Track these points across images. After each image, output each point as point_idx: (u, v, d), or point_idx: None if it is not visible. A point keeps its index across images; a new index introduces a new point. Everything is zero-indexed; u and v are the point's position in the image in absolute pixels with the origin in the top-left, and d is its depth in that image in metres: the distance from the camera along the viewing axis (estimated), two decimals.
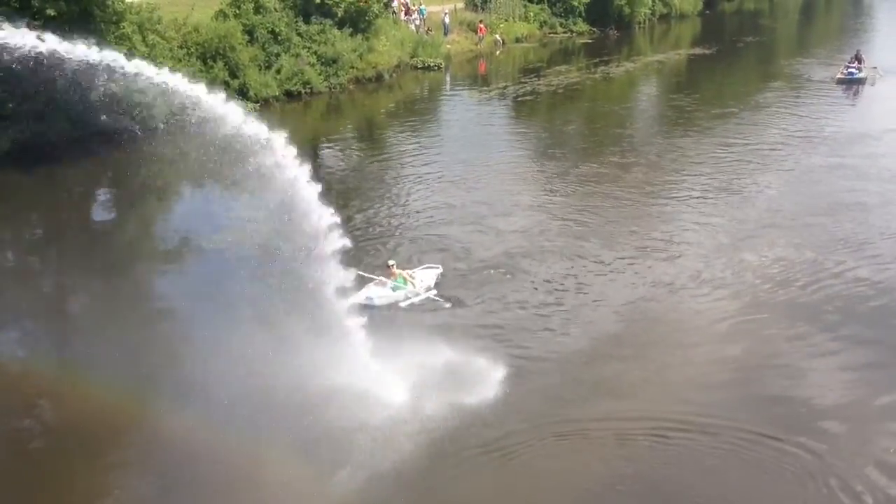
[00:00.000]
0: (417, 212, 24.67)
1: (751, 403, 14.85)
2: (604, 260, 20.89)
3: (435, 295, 18.69)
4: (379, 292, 18.28)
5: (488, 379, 15.14)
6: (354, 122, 39.35)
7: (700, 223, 23.41)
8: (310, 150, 34.28)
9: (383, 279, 18.60)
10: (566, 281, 19.67)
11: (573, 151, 32.56)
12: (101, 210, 27.13)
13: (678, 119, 38.20)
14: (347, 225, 23.24)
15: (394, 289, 18.47)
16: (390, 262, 18.94)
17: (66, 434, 14.01)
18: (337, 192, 27.17)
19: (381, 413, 14.22)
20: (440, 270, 19.60)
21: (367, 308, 17.33)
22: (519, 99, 43.58)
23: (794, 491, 12.70)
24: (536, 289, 19.31)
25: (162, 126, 33.27)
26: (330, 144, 34.76)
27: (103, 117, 31.08)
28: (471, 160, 30.54)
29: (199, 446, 13.49)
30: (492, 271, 20.22)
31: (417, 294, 18.55)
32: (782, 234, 22.63)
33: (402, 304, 18.23)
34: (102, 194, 28.60)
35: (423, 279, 19.06)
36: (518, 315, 18.02)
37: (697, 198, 25.67)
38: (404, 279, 18.61)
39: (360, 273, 18.18)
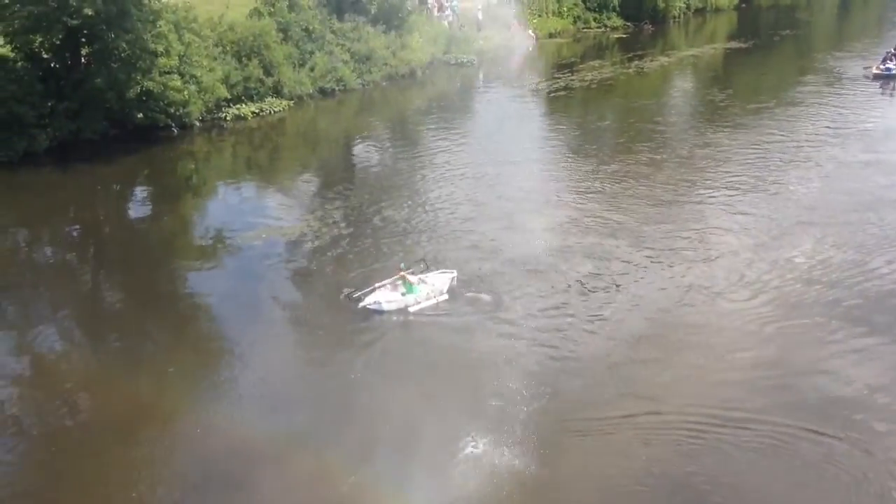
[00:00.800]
0: (446, 208, 24.66)
1: (793, 402, 14.71)
2: (635, 259, 20.70)
3: (446, 300, 18.37)
4: (388, 297, 18.02)
5: (516, 378, 15.20)
6: (387, 119, 39.42)
7: (734, 221, 23.16)
8: (343, 146, 34.49)
9: (394, 283, 18.29)
10: (597, 281, 19.51)
11: (606, 148, 32.38)
12: (138, 206, 27.47)
13: (712, 114, 37.85)
14: (377, 220, 23.47)
15: (403, 293, 18.16)
16: (402, 266, 18.58)
17: (101, 426, 14.22)
18: (367, 188, 27.33)
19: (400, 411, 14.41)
20: (454, 275, 19.19)
21: (376, 312, 17.49)
22: (552, 94, 43.41)
23: (838, 487, 12.64)
24: (569, 288, 19.17)
25: (197, 124, 33.66)
26: (362, 141, 34.86)
27: (139, 115, 31.50)
28: (502, 156, 30.49)
29: (231, 442, 13.63)
30: (521, 269, 20.07)
31: (427, 299, 18.24)
32: (819, 231, 22.34)
33: (411, 309, 17.93)
34: (139, 191, 28.96)
35: (435, 283, 18.69)
36: (548, 315, 17.92)
37: (731, 195, 25.40)
38: (411, 284, 18.20)
39: (362, 293, 18.12)
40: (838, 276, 19.66)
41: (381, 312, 17.58)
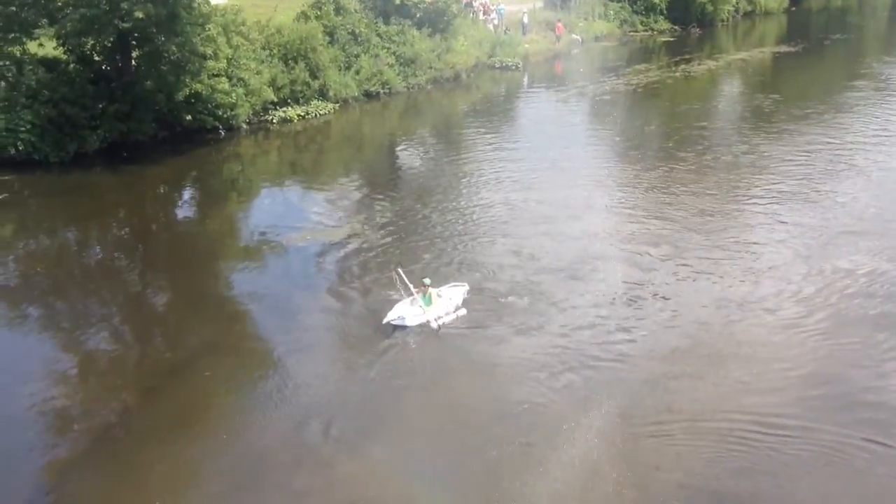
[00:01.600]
0: (487, 212, 24.58)
1: (841, 411, 14.43)
2: (678, 270, 20.34)
3: (463, 315, 17.93)
4: (411, 311, 17.59)
5: (551, 388, 15.12)
6: (431, 122, 39.53)
7: (781, 230, 22.73)
8: (387, 149, 34.63)
9: (415, 297, 17.87)
10: (638, 291, 19.20)
11: (650, 153, 32.10)
12: (185, 208, 27.85)
13: (759, 120, 37.34)
14: (419, 224, 23.54)
15: (423, 307, 17.66)
16: (426, 282, 18.13)
17: (145, 425, 14.40)
18: (410, 192, 27.40)
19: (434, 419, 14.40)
20: (467, 288, 18.81)
21: (399, 328, 17.22)
22: (597, 98, 43.21)
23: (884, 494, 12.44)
24: (608, 298, 18.92)
25: (244, 126, 34.02)
26: (406, 144, 35.01)
27: (188, 117, 31.94)
28: (545, 161, 30.42)
29: (274, 445, 13.74)
30: (559, 277, 19.88)
31: (447, 313, 17.81)
32: (868, 241, 21.82)
33: (433, 325, 17.40)
34: (186, 192, 29.35)
35: (451, 297, 18.32)
36: (586, 325, 17.63)
37: (778, 203, 24.96)
38: (430, 298, 17.82)
39: (403, 277, 17.98)
40: (890, 289, 19.19)
41: (404, 328, 17.28)
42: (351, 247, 22.12)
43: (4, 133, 27.97)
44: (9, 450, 13.64)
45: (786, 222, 23.35)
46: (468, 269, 20.30)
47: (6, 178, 27.46)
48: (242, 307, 19.43)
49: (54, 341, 17.94)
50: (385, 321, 17.08)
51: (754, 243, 21.90)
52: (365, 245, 22.19)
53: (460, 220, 23.92)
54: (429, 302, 17.79)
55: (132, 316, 19.23)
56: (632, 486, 12.61)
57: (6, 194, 26.51)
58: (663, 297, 18.80)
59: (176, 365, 16.45)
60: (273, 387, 15.53)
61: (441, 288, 18.57)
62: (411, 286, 18.01)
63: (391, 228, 23.50)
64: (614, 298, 18.81)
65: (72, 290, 20.55)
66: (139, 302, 20.03)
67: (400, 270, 18.21)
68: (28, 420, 14.43)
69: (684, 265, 20.52)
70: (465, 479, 12.84)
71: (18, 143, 28.16)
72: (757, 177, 27.98)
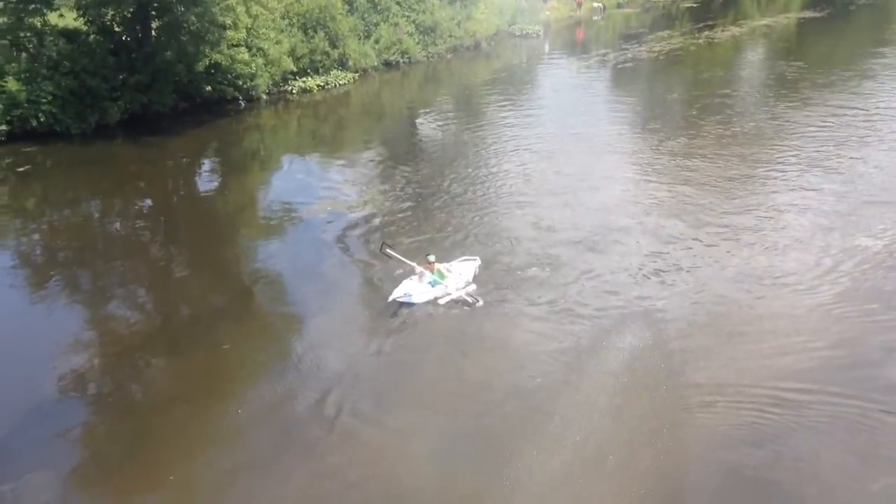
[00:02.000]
0: (507, 182, 24.53)
1: (863, 381, 14.32)
2: (700, 241, 20.09)
3: (474, 291, 17.52)
4: (418, 288, 17.15)
5: (571, 362, 15.08)
6: (451, 92, 39.36)
7: (804, 201, 22.44)
8: (406, 119, 34.56)
9: (421, 271, 17.46)
10: (658, 262, 19.00)
11: (672, 121, 31.84)
12: (205, 178, 27.94)
13: (783, 87, 36.86)
14: (439, 194, 23.53)
15: (432, 284, 17.35)
16: (430, 258, 17.71)
17: (166, 394, 14.57)
18: (430, 162, 27.40)
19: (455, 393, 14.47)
20: (478, 262, 18.46)
21: (406, 305, 16.90)
22: (618, 66, 42.86)
23: None
24: (628, 270, 18.80)
25: (264, 97, 34.05)
26: (426, 114, 34.91)
27: (208, 88, 32.02)
28: (566, 130, 30.28)
29: (294, 413, 13.87)
30: (576, 248, 19.72)
31: (457, 289, 17.40)
32: (893, 212, 21.62)
33: (441, 301, 17.09)
34: (206, 163, 29.44)
35: (461, 272, 17.92)
36: (605, 298, 17.45)
37: (802, 172, 24.68)
38: (441, 273, 17.46)
39: (394, 255, 17.73)
40: None
41: (411, 305, 16.93)
42: (370, 217, 22.16)
43: (26, 105, 28.17)
44: (31, 415, 13.90)
45: (810, 191, 23.05)
46: (487, 240, 20.23)
47: (29, 149, 27.71)
48: (263, 277, 19.53)
49: (77, 310, 18.15)
50: (391, 299, 16.80)
51: (777, 213, 21.63)
52: (386, 216, 22.22)
53: (480, 191, 23.88)
54: (441, 277, 17.43)
55: (154, 285, 19.39)
56: (649, 458, 12.65)
57: (29, 166, 26.74)
58: (685, 271, 18.54)
59: (196, 333, 16.61)
60: (291, 356, 15.64)
61: (451, 262, 18.24)
62: (407, 261, 17.65)
63: (410, 199, 23.51)
64: (635, 271, 18.61)
65: (94, 260, 20.75)
66: (160, 271, 20.21)
67: (388, 249, 17.89)
68: (50, 386, 14.65)
69: (705, 237, 20.32)
70: (478, 451, 12.90)
71: (40, 114, 28.37)
72: (780, 146, 27.66)
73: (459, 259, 18.61)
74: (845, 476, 12.25)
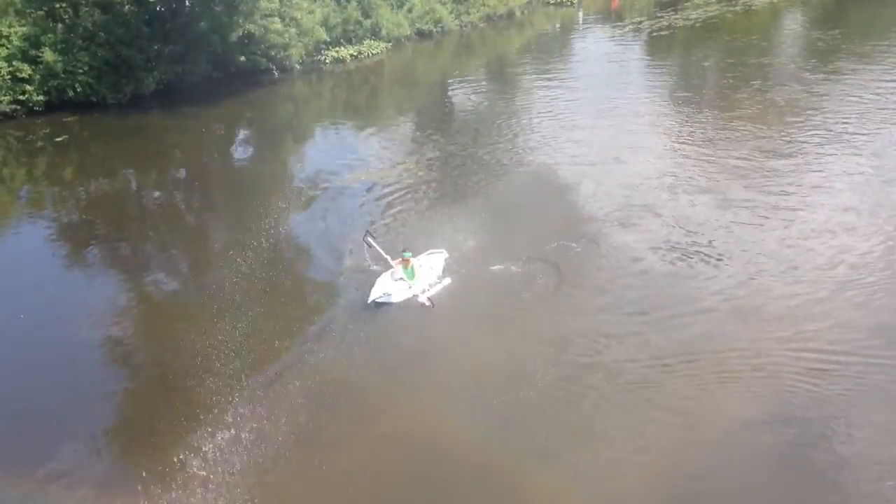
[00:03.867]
0: (537, 154, 24.39)
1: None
2: (727, 216, 19.60)
3: (446, 285, 16.72)
4: (395, 286, 16.39)
5: (605, 341, 14.96)
6: (484, 61, 39.15)
7: (838, 175, 21.77)
8: (439, 89, 34.45)
9: (394, 271, 16.65)
10: (687, 238, 18.57)
11: (706, 92, 31.38)
12: (239, 148, 28.13)
13: (820, 57, 35.97)
14: (469, 165, 23.47)
15: (406, 281, 16.50)
16: (406, 255, 16.77)
17: (202, 358, 14.68)
18: (462, 132, 27.30)
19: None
20: (446, 255, 17.61)
21: (386, 304, 16.18)
22: (654, 34, 42.34)
23: None
24: (659, 247, 18.54)
25: (297, 67, 34.09)
26: (459, 83, 34.74)
27: (241, 58, 32.10)
28: (598, 100, 30.00)
29: (323, 384, 13.95)
30: (606, 222, 19.41)
31: (432, 284, 16.67)
32: None
33: (420, 298, 16.26)
34: (240, 133, 29.62)
35: (431, 266, 17.17)
36: (636, 273, 17.15)
37: (838, 146, 23.93)
38: (412, 271, 16.64)
39: (374, 245, 17.12)
40: None
41: (390, 305, 16.19)
42: (402, 188, 22.15)
43: (63, 75, 28.46)
44: (70, 380, 14.21)
45: (843, 168, 22.28)
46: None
47: (66, 119, 28.06)
48: (297, 247, 19.66)
49: (114, 278, 18.44)
50: (370, 300, 16.10)
51: (813, 189, 20.93)
52: (416, 186, 22.19)
53: (509, 163, 23.71)
54: (412, 275, 16.70)
55: (189, 254, 19.63)
56: (671, 430, 12.65)
57: (66, 136, 27.09)
58: (714, 249, 18.02)
59: (230, 302, 16.72)
60: (322, 326, 15.65)
61: (419, 257, 17.42)
62: (384, 253, 16.94)
63: (441, 169, 23.49)
64: (662, 246, 18.21)
65: (131, 230, 21.01)
66: (196, 241, 20.44)
67: (370, 239, 17.34)
68: (89, 354, 14.93)
69: (735, 213, 19.72)
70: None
71: (76, 84, 28.67)
72: (817, 117, 26.87)
73: (426, 253, 17.77)
74: None
